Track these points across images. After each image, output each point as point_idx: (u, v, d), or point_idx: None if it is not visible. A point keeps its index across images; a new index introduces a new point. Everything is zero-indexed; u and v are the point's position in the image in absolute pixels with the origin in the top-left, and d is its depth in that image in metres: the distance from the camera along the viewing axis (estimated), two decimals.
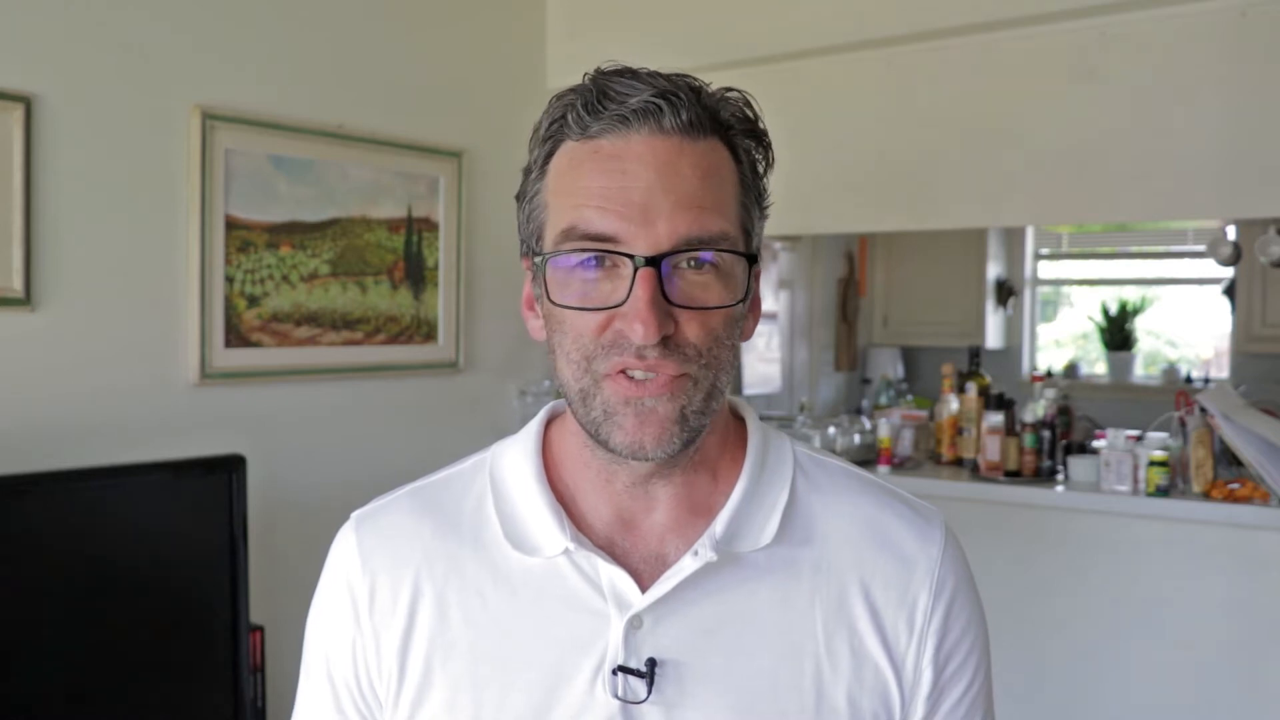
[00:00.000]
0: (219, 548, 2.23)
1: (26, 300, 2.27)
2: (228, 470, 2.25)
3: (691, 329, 0.80)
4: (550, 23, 3.46)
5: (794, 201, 3.15)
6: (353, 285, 2.90)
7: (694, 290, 0.80)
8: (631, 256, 0.78)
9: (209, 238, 2.56)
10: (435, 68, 3.14)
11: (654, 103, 0.80)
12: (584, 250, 0.80)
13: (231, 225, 2.61)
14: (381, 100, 2.97)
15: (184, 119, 2.53)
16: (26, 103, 2.25)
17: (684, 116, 0.80)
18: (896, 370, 6.04)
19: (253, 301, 2.67)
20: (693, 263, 0.80)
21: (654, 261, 0.78)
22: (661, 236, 0.78)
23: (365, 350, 2.95)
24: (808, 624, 0.86)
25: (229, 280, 2.61)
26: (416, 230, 3.06)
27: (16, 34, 2.26)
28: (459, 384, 3.22)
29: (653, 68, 0.83)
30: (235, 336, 2.63)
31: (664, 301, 0.78)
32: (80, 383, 2.37)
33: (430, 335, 3.12)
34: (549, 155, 0.84)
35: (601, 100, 0.81)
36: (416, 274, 3.07)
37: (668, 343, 0.79)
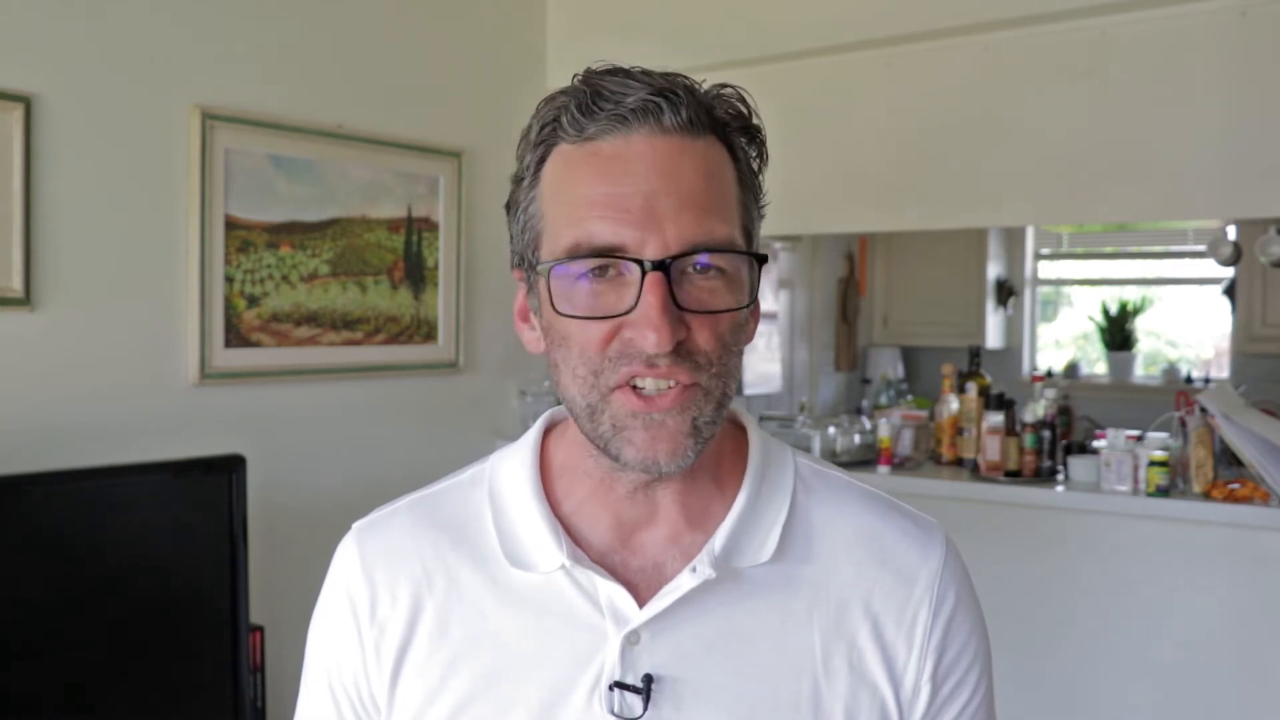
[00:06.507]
0: (219, 548, 2.23)
1: (26, 300, 2.27)
2: (228, 470, 2.25)
3: (703, 335, 0.78)
4: (550, 23, 3.46)
5: (794, 201, 3.15)
6: (353, 285, 2.90)
7: (703, 294, 0.78)
8: (639, 262, 0.76)
9: (209, 238, 2.56)
10: (435, 68, 3.14)
11: (653, 101, 0.77)
12: (591, 260, 0.77)
13: (231, 225, 2.61)
14: (381, 100, 2.97)
15: (184, 119, 2.53)
16: (26, 103, 2.25)
17: (684, 114, 0.78)
18: (896, 370, 6.03)
19: (253, 301, 2.67)
20: (698, 266, 0.77)
21: (662, 266, 0.76)
22: (669, 240, 0.76)
23: (365, 350, 2.95)
24: (806, 640, 0.85)
25: (229, 280, 2.61)
26: (416, 230, 3.06)
27: (16, 34, 2.26)
28: (459, 384, 3.22)
29: (646, 67, 0.80)
30: (235, 336, 2.63)
31: (674, 307, 0.76)
32: (80, 383, 2.37)
33: (430, 335, 3.12)
34: (541, 160, 0.81)
35: (596, 100, 0.78)
36: (416, 274, 3.07)
37: (680, 349, 0.77)
